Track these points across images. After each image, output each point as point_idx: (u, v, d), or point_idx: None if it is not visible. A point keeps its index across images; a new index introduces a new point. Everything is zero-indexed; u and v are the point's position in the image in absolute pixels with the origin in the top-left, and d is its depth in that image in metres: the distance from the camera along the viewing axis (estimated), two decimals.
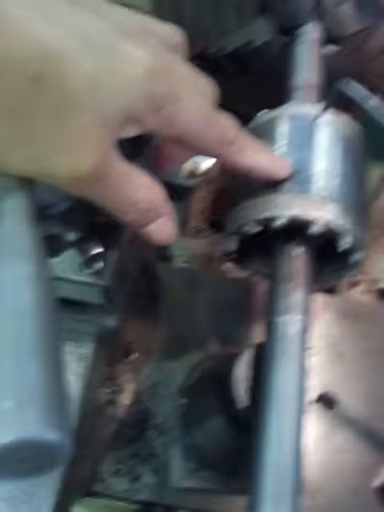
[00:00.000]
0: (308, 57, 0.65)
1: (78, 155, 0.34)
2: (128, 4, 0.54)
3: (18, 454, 0.25)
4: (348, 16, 0.66)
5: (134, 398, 0.69)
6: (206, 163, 0.59)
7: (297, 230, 0.51)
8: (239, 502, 0.64)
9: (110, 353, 0.69)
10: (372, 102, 0.47)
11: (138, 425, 0.68)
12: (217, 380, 0.63)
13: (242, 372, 0.51)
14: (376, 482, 0.68)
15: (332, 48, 0.71)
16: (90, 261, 0.44)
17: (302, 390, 0.46)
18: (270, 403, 0.44)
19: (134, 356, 0.71)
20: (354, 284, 0.89)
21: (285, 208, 0.48)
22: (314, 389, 0.72)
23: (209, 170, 0.60)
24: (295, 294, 0.49)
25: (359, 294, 0.87)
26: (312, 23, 0.67)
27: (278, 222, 0.48)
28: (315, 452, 0.68)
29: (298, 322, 0.48)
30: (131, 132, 0.37)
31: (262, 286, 0.75)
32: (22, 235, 0.31)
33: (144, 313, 0.75)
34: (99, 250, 0.44)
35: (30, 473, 0.28)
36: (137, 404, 0.69)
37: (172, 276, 0.79)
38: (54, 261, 0.46)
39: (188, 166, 0.59)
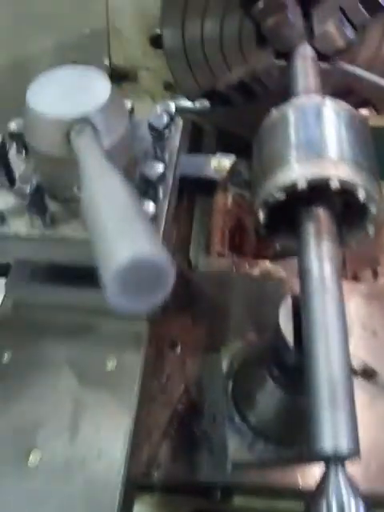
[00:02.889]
0: (304, 70, 0.76)
1: None
2: None
3: (134, 275, 0.31)
4: (332, 35, 0.78)
5: (183, 388, 0.74)
6: (230, 160, 0.68)
7: (317, 195, 0.59)
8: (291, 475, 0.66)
9: (158, 345, 0.75)
10: None
11: (189, 413, 0.72)
12: (262, 353, 0.67)
13: (285, 315, 0.57)
14: None
15: (325, 64, 0.83)
16: None
17: (343, 319, 0.51)
18: (315, 329, 0.50)
19: (179, 349, 0.76)
20: (377, 273, 0.96)
21: (304, 172, 0.57)
22: (353, 364, 0.76)
23: (232, 166, 0.69)
24: (323, 245, 0.56)
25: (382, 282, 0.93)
26: (303, 44, 0.80)
27: (299, 185, 0.56)
28: (360, 423, 0.71)
29: (329, 266, 0.54)
30: None
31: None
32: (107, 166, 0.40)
33: (183, 312, 0.81)
34: (152, 213, 0.51)
35: (145, 295, 0.34)
36: (186, 395, 0.74)
37: (205, 279, 0.85)
38: None
39: (214, 162, 0.68)
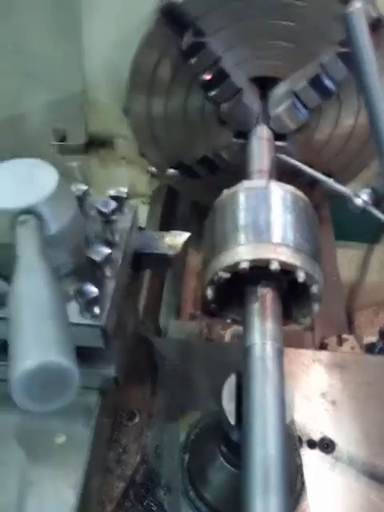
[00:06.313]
0: (259, 150, 0.81)
1: None
2: None
3: (40, 379, 0.33)
4: (284, 118, 0.84)
5: (140, 459, 0.74)
6: (182, 237, 0.71)
7: (263, 275, 0.61)
8: None
9: (115, 416, 0.76)
10: None
11: (146, 484, 0.72)
12: (214, 428, 0.69)
13: (227, 394, 0.58)
14: None
15: (281, 143, 0.88)
16: (88, 305, 0.54)
17: (280, 401, 0.53)
18: (253, 411, 0.51)
19: (137, 420, 0.77)
20: (342, 341, 0.97)
21: (246, 254, 0.60)
22: (311, 435, 0.77)
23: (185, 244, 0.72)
24: (266, 324, 0.58)
25: (347, 349, 0.95)
26: (260, 125, 0.85)
27: (241, 266, 0.59)
28: (320, 495, 0.71)
29: (270, 346, 0.56)
30: None
31: None
32: (39, 261, 0.43)
33: (144, 381, 0.82)
34: (94, 294, 0.54)
35: (49, 400, 0.35)
36: (143, 465, 0.74)
37: (168, 347, 0.87)
38: None
39: (167, 239, 0.71)
